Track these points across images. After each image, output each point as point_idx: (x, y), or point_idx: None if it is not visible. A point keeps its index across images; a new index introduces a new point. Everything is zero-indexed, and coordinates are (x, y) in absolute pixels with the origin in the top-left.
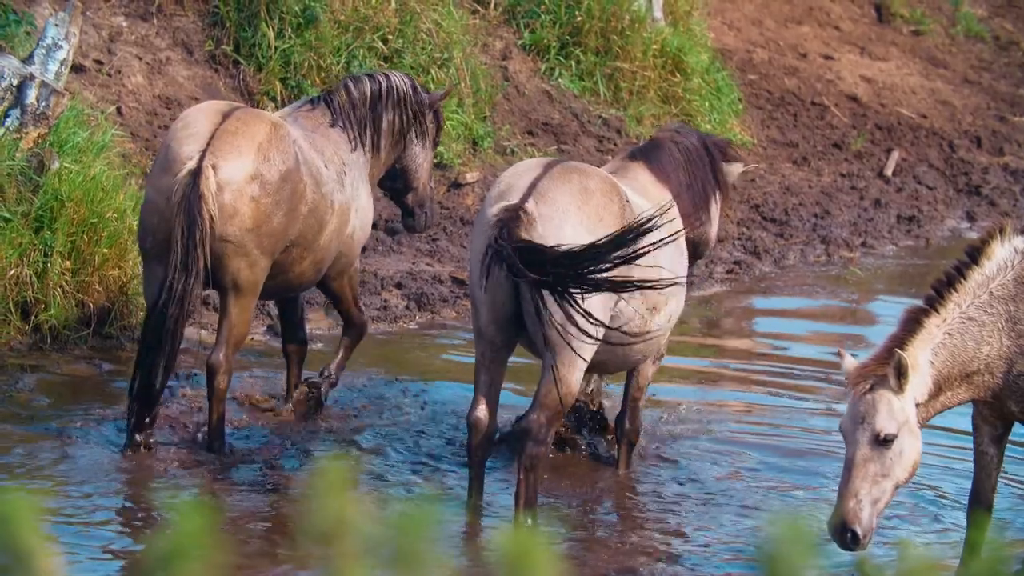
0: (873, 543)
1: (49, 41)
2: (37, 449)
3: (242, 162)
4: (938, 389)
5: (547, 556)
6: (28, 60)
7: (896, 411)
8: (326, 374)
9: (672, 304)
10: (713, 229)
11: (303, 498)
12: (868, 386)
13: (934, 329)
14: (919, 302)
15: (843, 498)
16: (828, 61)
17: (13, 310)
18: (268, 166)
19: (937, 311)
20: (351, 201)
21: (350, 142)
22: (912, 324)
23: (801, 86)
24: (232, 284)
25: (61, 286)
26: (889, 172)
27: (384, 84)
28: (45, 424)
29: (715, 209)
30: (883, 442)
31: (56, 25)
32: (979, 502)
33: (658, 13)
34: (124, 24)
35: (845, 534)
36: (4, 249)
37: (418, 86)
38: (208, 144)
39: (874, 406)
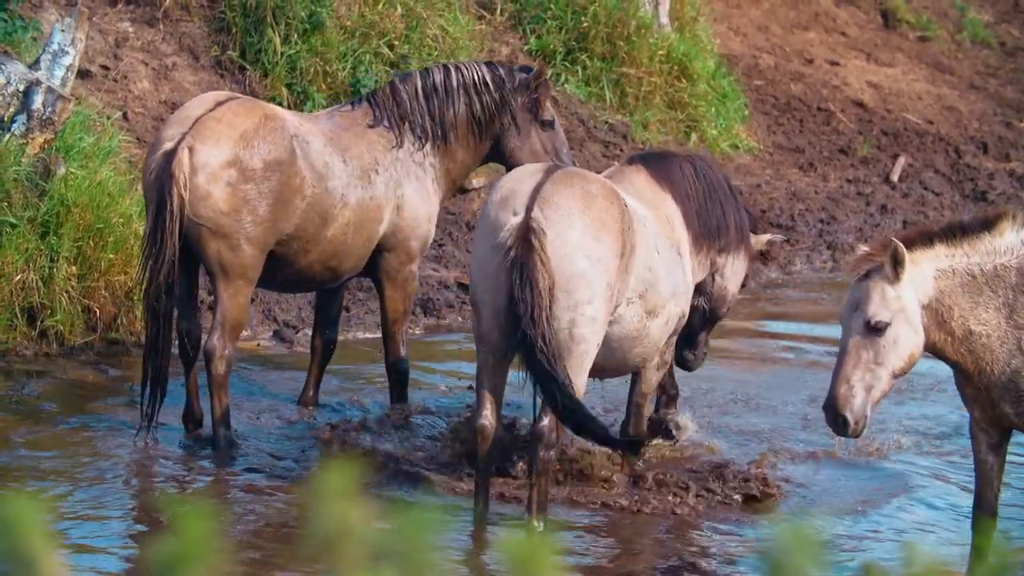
0: (867, 431)
1: (55, 47)
2: (43, 454)
3: (219, 147)
4: (939, 312)
5: (553, 561)
6: (34, 66)
7: (890, 299)
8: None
9: (671, 307)
10: (730, 286)
11: (307, 503)
12: (864, 273)
13: (942, 254)
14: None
15: (835, 383)
16: (834, 67)
17: (19, 315)
18: (250, 153)
19: (948, 243)
20: (383, 199)
21: (395, 140)
22: (924, 237)
23: (807, 92)
24: (218, 268)
25: (67, 291)
26: (895, 178)
27: (440, 77)
28: (51, 429)
29: (732, 264)
30: (875, 329)
31: (62, 31)
32: (982, 509)
33: (664, 19)
34: (130, 30)
35: (836, 419)
36: (10, 254)
37: (502, 71)
38: (191, 128)
39: (868, 293)
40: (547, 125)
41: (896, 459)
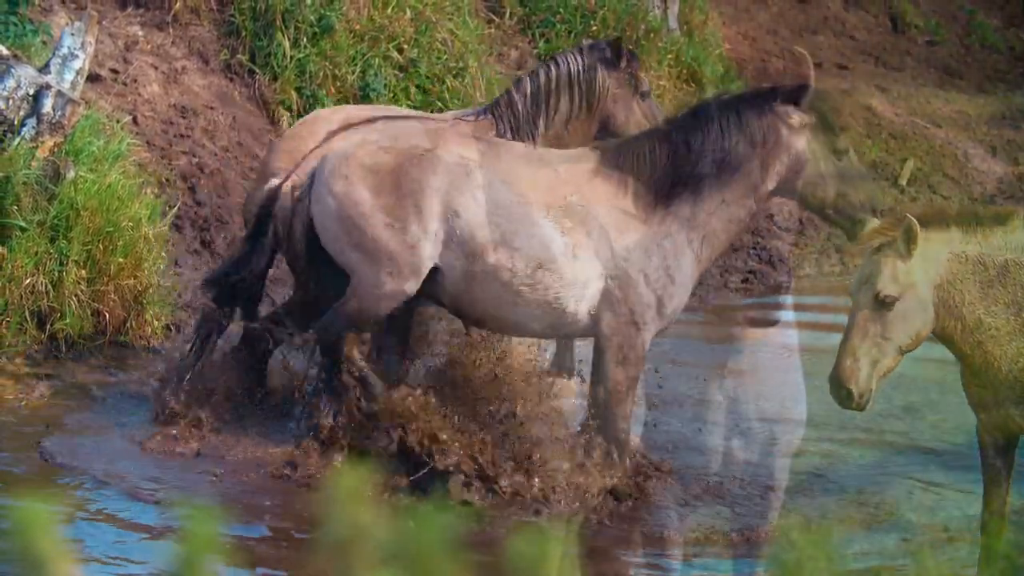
0: (871, 402)
1: (65, 50)
2: (52, 458)
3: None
4: (951, 296)
5: (560, 560)
6: (44, 69)
7: (900, 274)
8: None
9: (527, 250)
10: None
11: (320, 505)
12: (876, 247)
13: (956, 238)
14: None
15: (841, 356)
16: (843, 71)
17: (28, 319)
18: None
19: (964, 229)
20: None
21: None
22: (940, 218)
23: None
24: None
25: (76, 295)
26: (904, 182)
27: (543, 76)
28: (60, 433)
29: (790, 149)
30: (884, 303)
31: (72, 34)
32: (991, 511)
33: (673, 23)
34: (140, 33)
35: (840, 392)
36: (20, 258)
37: (586, 56)
38: (298, 166)
39: (878, 266)
40: (645, 96)
41: None
